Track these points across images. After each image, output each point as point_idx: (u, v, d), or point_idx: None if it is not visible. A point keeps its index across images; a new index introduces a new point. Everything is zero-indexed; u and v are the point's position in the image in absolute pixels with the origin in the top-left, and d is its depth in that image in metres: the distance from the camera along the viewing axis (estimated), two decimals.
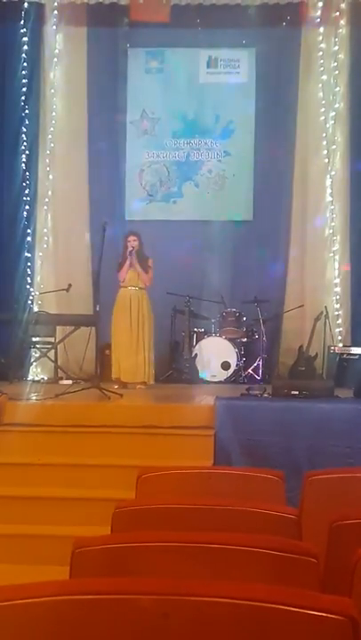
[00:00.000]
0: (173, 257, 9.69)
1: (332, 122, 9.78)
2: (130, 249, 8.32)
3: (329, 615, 1.65)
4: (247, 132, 10.28)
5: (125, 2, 9.65)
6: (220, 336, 9.36)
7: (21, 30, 9.82)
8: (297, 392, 6.83)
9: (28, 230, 9.84)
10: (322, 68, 9.80)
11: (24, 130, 9.82)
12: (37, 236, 9.96)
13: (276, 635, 1.68)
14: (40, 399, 6.99)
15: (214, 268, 9.85)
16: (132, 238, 8.41)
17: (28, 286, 9.77)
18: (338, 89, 9.76)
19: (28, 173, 9.84)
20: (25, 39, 9.82)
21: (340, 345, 9.42)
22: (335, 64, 9.75)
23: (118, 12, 9.90)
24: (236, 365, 9.19)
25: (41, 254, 9.96)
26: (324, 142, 9.80)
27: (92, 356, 7.93)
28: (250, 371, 9.29)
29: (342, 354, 9.08)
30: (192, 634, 1.70)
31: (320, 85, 9.81)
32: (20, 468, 5.90)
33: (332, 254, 9.77)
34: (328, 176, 9.80)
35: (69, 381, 8.49)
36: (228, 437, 6.04)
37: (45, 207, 10.00)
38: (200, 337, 9.39)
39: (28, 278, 9.81)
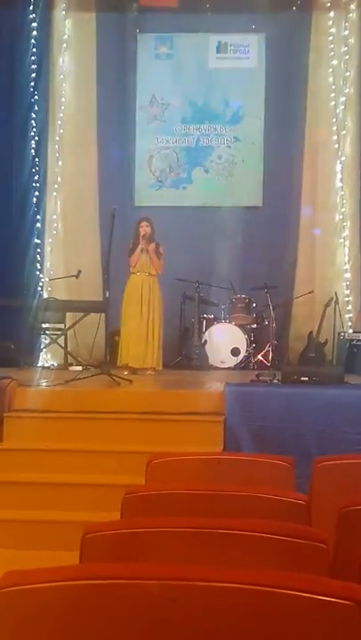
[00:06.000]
0: (183, 243, 9.68)
1: (343, 107, 9.74)
2: (142, 234, 8.31)
3: (338, 600, 1.65)
4: (257, 118, 10.24)
5: None
6: (229, 322, 9.34)
7: (30, 15, 9.78)
8: (307, 378, 6.83)
9: (38, 216, 9.84)
10: (332, 53, 9.77)
11: (33, 116, 9.80)
12: (47, 222, 9.95)
13: (284, 620, 1.69)
14: (50, 385, 6.99)
15: (224, 254, 9.82)
16: (144, 224, 8.37)
17: (37, 272, 9.78)
18: (348, 73, 9.72)
19: (37, 159, 9.82)
20: (34, 24, 9.79)
21: (351, 331, 9.39)
22: (345, 48, 9.73)
23: None
24: (246, 351, 9.18)
25: (50, 240, 9.95)
26: (335, 127, 9.76)
27: (101, 343, 7.92)
28: (259, 357, 9.29)
29: (352, 340, 9.06)
30: (200, 619, 1.70)
31: (330, 70, 9.78)
32: (29, 454, 5.90)
33: (342, 240, 9.75)
34: (338, 161, 9.76)
35: (79, 368, 8.49)
36: (238, 423, 6.04)
37: (55, 193, 9.98)
38: (210, 323, 9.38)
39: (38, 264, 9.81)
